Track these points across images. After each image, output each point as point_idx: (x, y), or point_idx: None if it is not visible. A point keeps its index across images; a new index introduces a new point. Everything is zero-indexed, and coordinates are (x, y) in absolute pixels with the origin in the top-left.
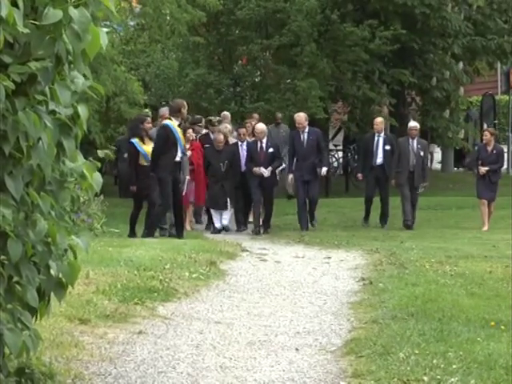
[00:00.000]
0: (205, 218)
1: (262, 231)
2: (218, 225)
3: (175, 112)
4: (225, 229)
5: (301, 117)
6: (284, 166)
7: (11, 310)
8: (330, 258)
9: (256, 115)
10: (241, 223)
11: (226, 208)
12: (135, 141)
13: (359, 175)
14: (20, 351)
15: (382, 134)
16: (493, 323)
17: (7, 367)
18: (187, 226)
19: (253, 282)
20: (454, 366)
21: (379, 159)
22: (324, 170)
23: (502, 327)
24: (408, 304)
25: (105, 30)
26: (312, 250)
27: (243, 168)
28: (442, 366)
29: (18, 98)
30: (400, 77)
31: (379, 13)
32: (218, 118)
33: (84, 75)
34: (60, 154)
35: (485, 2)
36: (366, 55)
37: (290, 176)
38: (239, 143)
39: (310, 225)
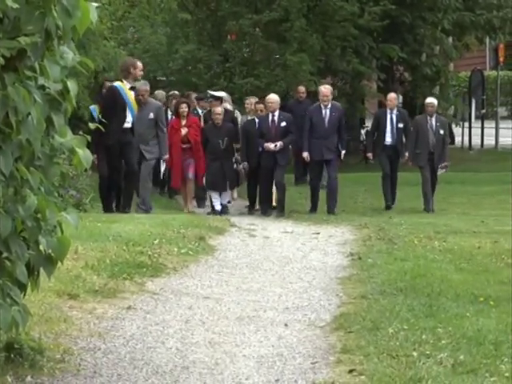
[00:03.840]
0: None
1: (273, 213)
2: (218, 207)
3: (124, 72)
4: (223, 208)
5: (327, 89)
6: None
7: (1, 286)
8: (318, 233)
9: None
10: (253, 205)
11: (225, 189)
12: (93, 108)
13: (369, 154)
14: (9, 326)
15: (395, 111)
16: (482, 299)
17: None
18: (188, 207)
19: (242, 257)
20: (443, 342)
21: (391, 138)
22: (342, 153)
23: (491, 303)
24: (397, 279)
25: (94, 4)
26: (301, 225)
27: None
28: (431, 341)
29: (8, 73)
30: (389, 52)
31: None
32: (212, 93)
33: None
34: (49, 129)
35: None
36: (356, 30)
37: (305, 154)
38: (256, 119)
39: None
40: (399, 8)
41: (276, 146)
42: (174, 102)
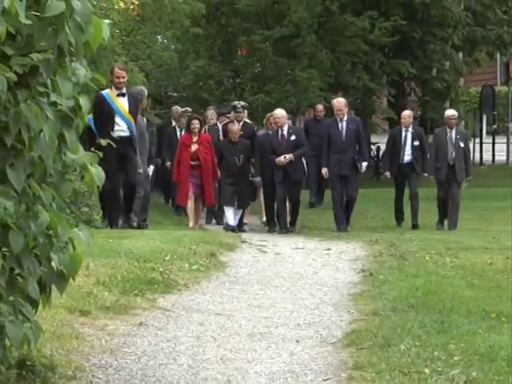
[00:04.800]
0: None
1: (284, 230)
2: (231, 223)
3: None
4: (239, 228)
5: (340, 102)
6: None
7: (12, 302)
8: (329, 249)
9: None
10: (272, 223)
11: (240, 206)
12: (90, 117)
13: (387, 173)
14: (21, 343)
15: (410, 129)
16: (494, 315)
17: (8, 359)
18: (190, 224)
19: (253, 273)
20: (456, 358)
21: (407, 156)
22: (364, 164)
23: (503, 319)
24: (408, 295)
25: (106, 21)
26: (312, 241)
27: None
28: (443, 357)
29: (20, 90)
30: (400, 68)
31: (379, 3)
32: (242, 103)
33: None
34: (61, 145)
35: None
36: (366, 46)
37: (324, 170)
38: (270, 133)
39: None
40: (409, 24)
41: (285, 157)
42: (186, 117)
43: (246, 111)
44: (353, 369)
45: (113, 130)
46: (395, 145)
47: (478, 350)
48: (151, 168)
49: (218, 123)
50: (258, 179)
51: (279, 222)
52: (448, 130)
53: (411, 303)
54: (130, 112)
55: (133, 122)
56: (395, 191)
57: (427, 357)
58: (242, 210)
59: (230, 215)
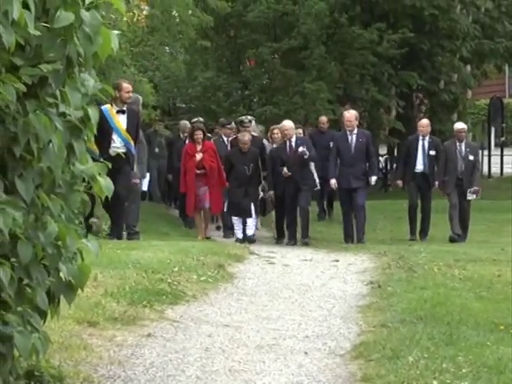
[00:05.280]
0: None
1: (292, 242)
2: (240, 235)
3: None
4: (249, 239)
5: (351, 114)
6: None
7: (21, 313)
8: (337, 261)
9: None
10: (280, 233)
11: (250, 215)
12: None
13: (399, 182)
14: (29, 354)
15: (427, 138)
16: (502, 327)
17: (17, 370)
18: (203, 234)
19: (261, 285)
20: (464, 370)
21: (422, 166)
22: (374, 179)
23: None
24: (417, 307)
25: (115, 32)
26: (320, 253)
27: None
28: (452, 370)
29: (29, 101)
30: (408, 79)
31: (388, 15)
32: (249, 117)
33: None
34: (70, 156)
35: (493, 4)
36: (374, 58)
37: (333, 182)
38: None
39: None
40: (418, 36)
41: (302, 149)
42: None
43: (253, 123)
44: (361, 381)
45: (109, 146)
46: (410, 153)
47: (486, 362)
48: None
49: (223, 136)
50: (271, 193)
51: (288, 233)
52: (458, 144)
53: (419, 315)
54: (127, 130)
55: (131, 140)
56: (408, 201)
57: (435, 369)
58: (252, 222)
59: (238, 228)
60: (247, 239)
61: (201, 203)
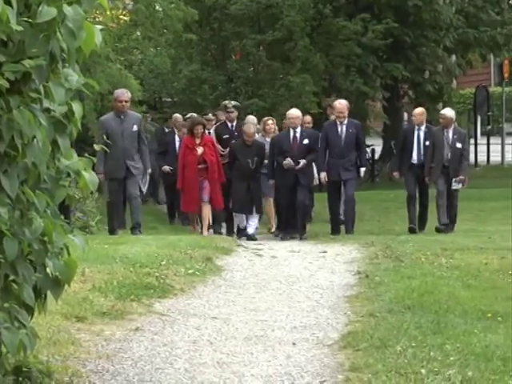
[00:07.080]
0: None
1: (287, 236)
2: (242, 225)
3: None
4: (251, 238)
5: (342, 105)
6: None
7: (8, 309)
8: (325, 252)
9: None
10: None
11: (251, 212)
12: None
13: (395, 173)
14: (17, 350)
15: (423, 127)
16: (489, 315)
17: (4, 366)
18: (204, 232)
19: (249, 277)
20: (452, 358)
21: (418, 156)
22: (363, 170)
23: (499, 319)
24: (404, 297)
25: (98, 27)
26: (308, 244)
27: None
28: (440, 358)
29: (13, 97)
30: (393, 71)
31: (372, 6)
32: (233, 102)
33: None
34: (55, 151)
35: None
36: (359, 49)
37: (323, 174)
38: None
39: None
40: (401, 27)
41: (299, 163)
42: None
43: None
44: (349, 370)
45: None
46: (406, 144)
47: (474, 349)
48: None
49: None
50: (271, 182)
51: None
52: (445, 130)
53: (407, 304)
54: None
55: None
56: (407, 192)
57: (423, 357)
58: (254, 219)
59: (241, 222)
60: (249, 238)
61: (204, 196)
